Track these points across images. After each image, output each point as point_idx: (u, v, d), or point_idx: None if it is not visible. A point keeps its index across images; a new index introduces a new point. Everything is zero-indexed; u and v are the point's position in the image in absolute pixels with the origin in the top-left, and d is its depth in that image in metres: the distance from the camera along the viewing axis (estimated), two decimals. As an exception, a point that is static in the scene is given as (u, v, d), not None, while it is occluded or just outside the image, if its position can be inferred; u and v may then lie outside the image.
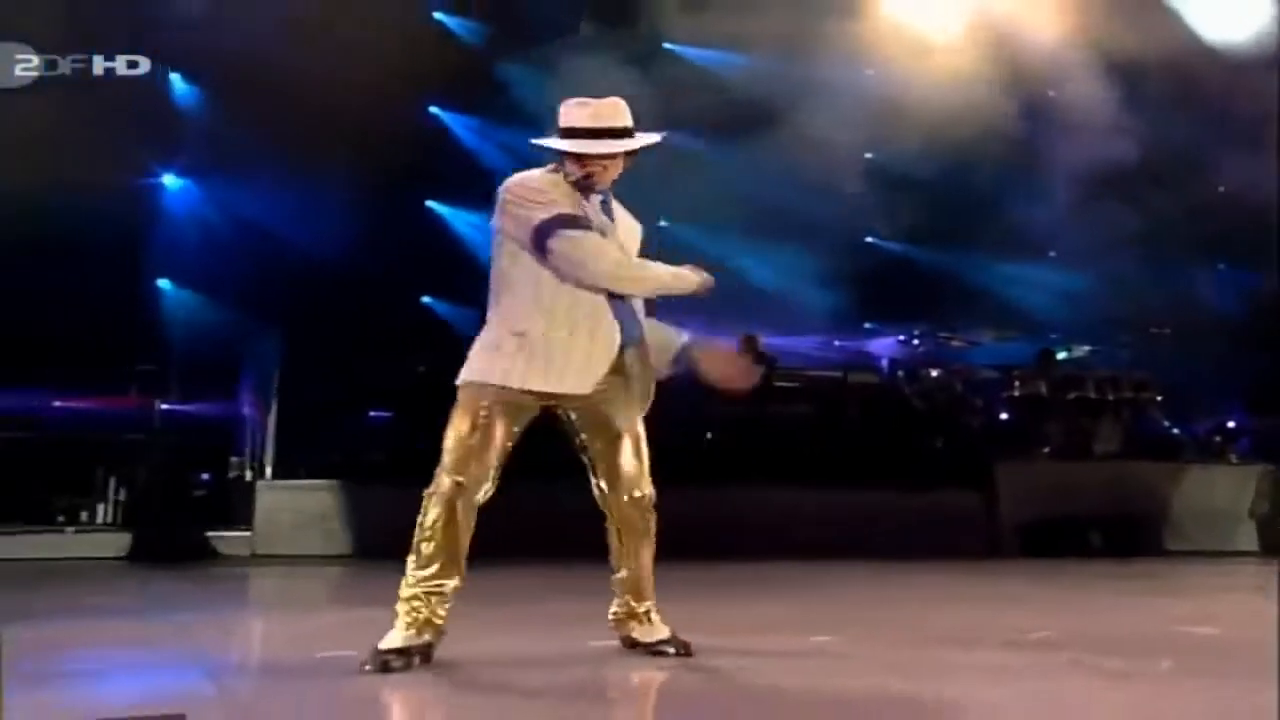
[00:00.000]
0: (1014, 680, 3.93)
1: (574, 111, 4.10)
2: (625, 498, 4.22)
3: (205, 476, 9.55)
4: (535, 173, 4.15)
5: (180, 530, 8.83)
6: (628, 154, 4.13)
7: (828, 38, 12.99)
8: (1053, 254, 14.34)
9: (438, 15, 12.43)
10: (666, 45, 13.44)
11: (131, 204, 10.94)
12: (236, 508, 9.19)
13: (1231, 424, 12.04)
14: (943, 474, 10.08)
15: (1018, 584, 7.73)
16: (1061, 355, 12.08)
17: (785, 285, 13.44)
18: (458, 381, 4.05)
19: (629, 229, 4.27)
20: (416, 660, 3.85)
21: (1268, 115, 11.51)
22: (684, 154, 13.40)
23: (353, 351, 10.15)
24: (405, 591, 3.90)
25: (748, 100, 13.29)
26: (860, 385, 11.20)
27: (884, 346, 12.94)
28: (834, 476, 9.74)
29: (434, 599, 3.88)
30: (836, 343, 13.73)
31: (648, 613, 4.24)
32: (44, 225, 9.69)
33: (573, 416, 4.17)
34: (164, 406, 9.79)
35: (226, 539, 8.91)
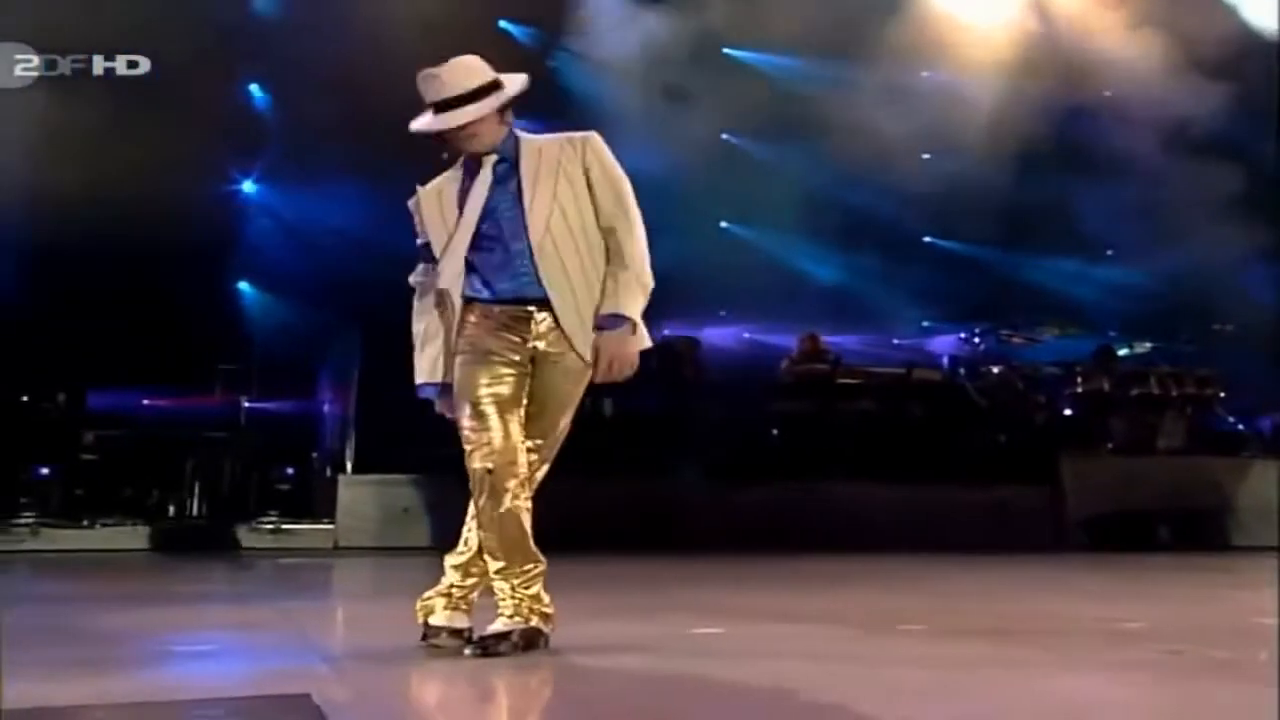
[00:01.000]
0: (1127, 673, 3.79)
1: (423, 86, 3.85)
2: None
3: (289, 471, 9.83)
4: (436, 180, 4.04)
5: (263, 523, 9.15)
6: (500, 109, 3.87)
7: (883, 39, 13.10)
8: (1110, 252, 14.38)
9: (503, 23, 12.71)
10: (725, 50, 13.64)
11: (213, 210, 11.27)
12: (318, 502, 9.48)
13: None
14: (1008, 469, 10.20)
15: (1090, 576, 7.78)
16: (1123, 352, 12.11)
17: (844, 284, 13.55)
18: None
19: (552, 165, 3.91)
20: (518, 644, 3.81)
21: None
22: (743, 156, 13.59)
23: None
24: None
25: (804, 102, 13.42)
26: (923, 382, 11.29)
27: (944, 344, 13.02)
28: (900, 472, 9.89)
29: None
30: (895, 341, 13.85)
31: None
32: (131, 233, 9.97)
33: None
34: (247, 404, 10.10)
35: (309, 532, 9.20)
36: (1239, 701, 3.33)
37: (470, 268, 3.94)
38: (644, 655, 3.98)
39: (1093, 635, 4.69)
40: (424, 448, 9.67)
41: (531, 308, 3.91)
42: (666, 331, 10.95)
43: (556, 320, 3.89)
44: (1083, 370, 11.41)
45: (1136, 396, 11.10)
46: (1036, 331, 12.15)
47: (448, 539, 4.12)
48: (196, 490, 9.40)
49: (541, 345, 3.92)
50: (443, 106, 3.84)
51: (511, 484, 3.84)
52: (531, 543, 3.89)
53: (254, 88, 11.74)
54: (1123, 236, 13.78)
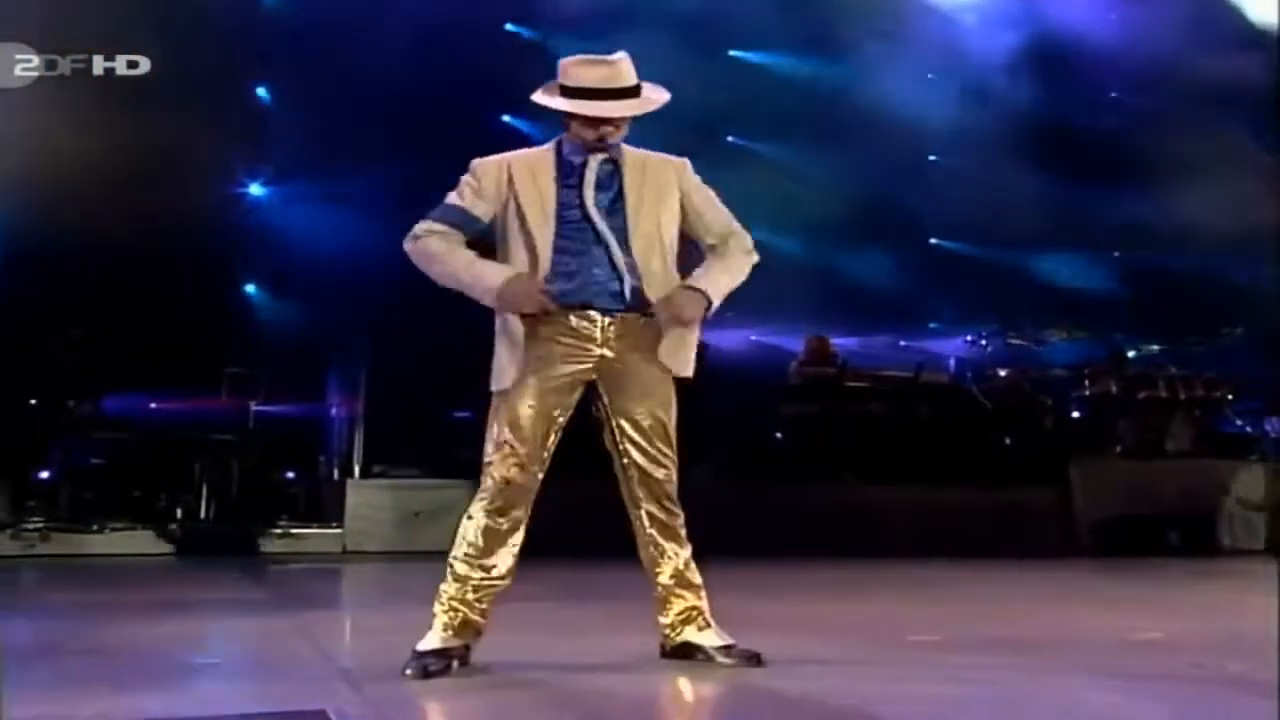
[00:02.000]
0: (1155, 689, 3.74)
1: (587, 70, 3.85)
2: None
3: (294, 475, 9.83)
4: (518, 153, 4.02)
5: (272, 527, 9.14)
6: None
7: (890, 37, 13.09)
8: (1117, 254, 14.36)
9: (510, 26, 12.70)
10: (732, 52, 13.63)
11: (220, 212, 11.25)
12: (327, 505, 9.48)
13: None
14: (1016, 472, 10.18)
15: (1102, 582, 7.78)
16: (1131, 354, 12.09)
17: (852, 287, 13.52)
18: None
19: (659, 182, 3.98)
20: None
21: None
22: (748, 157, 13.56)
23: (439, 352, 10.36)
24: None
25: (812, 102, 13.42)
26: (931, 385, 11.27)
27: (951, 347, 13.00)
28: (908, 475, 9.88)
29: None
30: (903, 343, 13.82)
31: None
32: (137, 235, 9.98)
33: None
34: (256, 407, 10.09)
35: (318, 536, 9.19)
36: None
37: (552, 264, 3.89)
38: (659, 669, 3.95)
39: (1112, 647, 4.65)
40: (432, 451, 9.73)
41: (607, 318, 3.91)
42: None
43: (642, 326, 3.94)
44: (1091, 373, 11.38)
45: (1145, 399, 11.07)
46: (1044, 334, 12.09)
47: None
48: (205, 494, 9.38)
49: (609, 353, 3.94)
50: (612, 95, 3.83)
51: (519, 512, 3.92)
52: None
53: (260, 90, 11.70)
54: (1131, 238, 13.76)
